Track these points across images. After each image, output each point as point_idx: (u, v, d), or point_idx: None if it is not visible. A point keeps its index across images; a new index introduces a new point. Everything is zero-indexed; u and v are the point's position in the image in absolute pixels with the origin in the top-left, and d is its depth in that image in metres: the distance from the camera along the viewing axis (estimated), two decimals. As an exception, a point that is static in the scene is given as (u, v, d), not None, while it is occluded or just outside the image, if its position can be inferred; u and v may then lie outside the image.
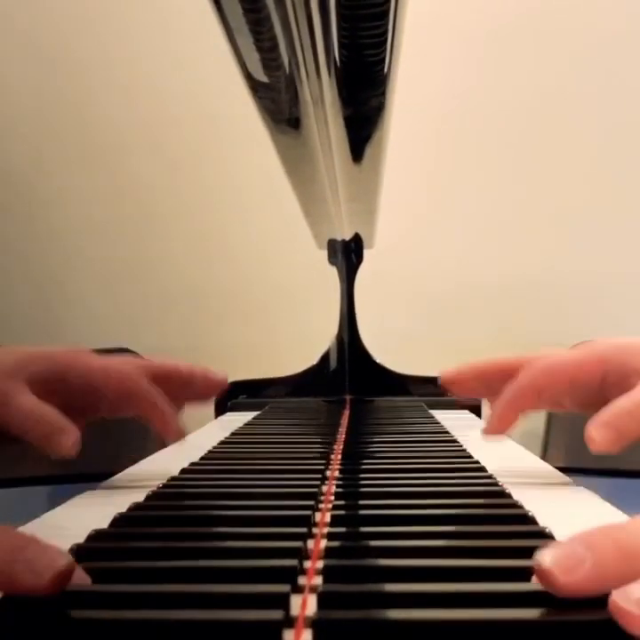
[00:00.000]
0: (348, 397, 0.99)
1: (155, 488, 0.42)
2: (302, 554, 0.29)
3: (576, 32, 1.73)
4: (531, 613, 0.22)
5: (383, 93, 0.46)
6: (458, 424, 0.73)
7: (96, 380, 0.49)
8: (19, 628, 0.22)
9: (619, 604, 0.21)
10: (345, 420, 0.74)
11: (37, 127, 1.82)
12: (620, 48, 1.74)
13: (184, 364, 0.54)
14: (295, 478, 0.44)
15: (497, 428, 0.49)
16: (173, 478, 0.45)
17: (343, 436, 0.63)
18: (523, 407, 0.48)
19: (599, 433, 0.42)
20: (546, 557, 0.23)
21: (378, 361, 1.01)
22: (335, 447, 0.56)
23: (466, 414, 0.91)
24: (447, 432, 0.65)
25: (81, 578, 0.25)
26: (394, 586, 0.25)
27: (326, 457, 0.51)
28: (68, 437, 0.44)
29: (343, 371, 1.01)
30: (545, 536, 0.30)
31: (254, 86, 0.44)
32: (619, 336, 0.50)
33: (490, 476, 0.44)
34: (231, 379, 1.00)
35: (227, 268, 1.84)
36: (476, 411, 0.95)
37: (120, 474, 0.52)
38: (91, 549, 0.30)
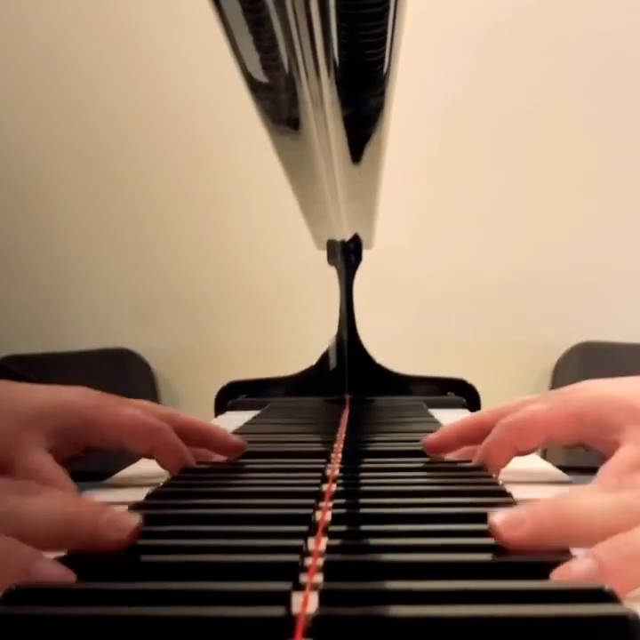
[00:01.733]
0: (347, 397, 0.99)
1: (155, 487, 0.42)
2: (303, 552, 0.29)
3: (576, 32, 1.73)
4: (532, 609, 0.22)
5: (383, 93, 0.46)
6: (457, 423, 0.73)
7: (124, 439, 0.46)
8: (21, 622, 0.22)
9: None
10: (345, 420, 0.74)
11: (38, 127, 1.82)
12: (620, 48, 1.74)
13: (207, 424, 0.52)
14: (295, 477, 0.44)
15: (431, 452, 0.50)
16: (173, 477, 0.45)
17: (343, 435, 0.63)
18: (499, 465, 0.46)
19: None
20: (495, 517, 0.28)
21: (377, 361, 1.01)
22: (335, 446, 0.56)
23: (465, 413, 0.91)
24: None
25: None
26: (394, 583, 0.25)
27: (326, 456, 0.51)
28: None
29: (343, 370, 1.01)
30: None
31: (254, 86, 0.44)
32: (599, 382, 0.47)
33: (490, 475, 0.44)
34: (231, 378, 1.01)
35: (226, 268, 1.84)
36: (476, 409, 0.95)
37: (120, 473, 0.52)
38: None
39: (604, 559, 0.26)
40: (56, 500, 0.31)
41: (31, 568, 0.26)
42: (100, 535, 0.28)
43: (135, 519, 0.29)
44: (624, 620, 0.21)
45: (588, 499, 0.30)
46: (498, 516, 0.28)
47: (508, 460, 0.46)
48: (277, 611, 0.22)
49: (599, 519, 0.28)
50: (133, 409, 0.47)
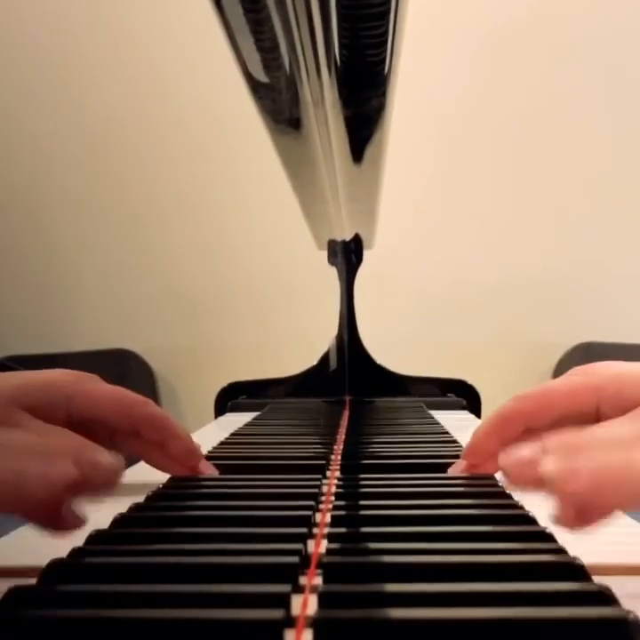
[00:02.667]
0: (347, 398, 0.99)
1: (155, 488, 0.42)
2: (303, 554, 0.29)
3: (575, 33, 1.73)
4: (532, 612, 0.22)
5: (383, 94, 0.46)
6: (457, 424, 0.73)
7: (103, 409, 0.45)
8: (21, 625, 0.22)
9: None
10: (345, 421, 0.74)
11: (39, 127, 1.82)
12: (621, 48, 1.74)
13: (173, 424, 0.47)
14: (295, 479, 0.44)
15: (471, 460, 0.46)
16: (173, 479, 0.45)
17: (343, 436, 0.63)
18: (506, 436, 0.44)
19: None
20: (548, 465, 0.28)
21: (377, 361, 1.01)
22: (335, 447, 0.56)
23: (465, 414, 0.91)
24: (446, 432, 0.65)
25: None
26: (394, 585, 0.25)
27: (326, 457, 0.51)
28: None
29: (343, 371, 1.01)
30: (545, 536, 0.30)
31: (255, 86, 0.44)
32: (616, 361, 0.47)
33: (490, 477, 0.44)
34: (231, 379, 1.00)
35: (227, 268, 1.84)
36: (476, 411, 0.95)
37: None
38: (91, 550, 0.30)
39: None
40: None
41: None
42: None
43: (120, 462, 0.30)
44: (623, 622, 0.21)
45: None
46: (549, 464, 0.28)
47: (517, 435, 0.46)
48: (277, 613, 0.22)
49: None
50: (114, 386, 0.47)
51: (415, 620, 0.22)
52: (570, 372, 0.47)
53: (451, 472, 0.46)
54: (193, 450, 0.46)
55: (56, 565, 0.27)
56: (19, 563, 0.31)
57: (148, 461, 0.47)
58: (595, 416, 0.44)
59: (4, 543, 0.34)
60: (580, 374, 0.46)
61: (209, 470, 0.47)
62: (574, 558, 0.27)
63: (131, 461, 0.54)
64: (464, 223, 1.81)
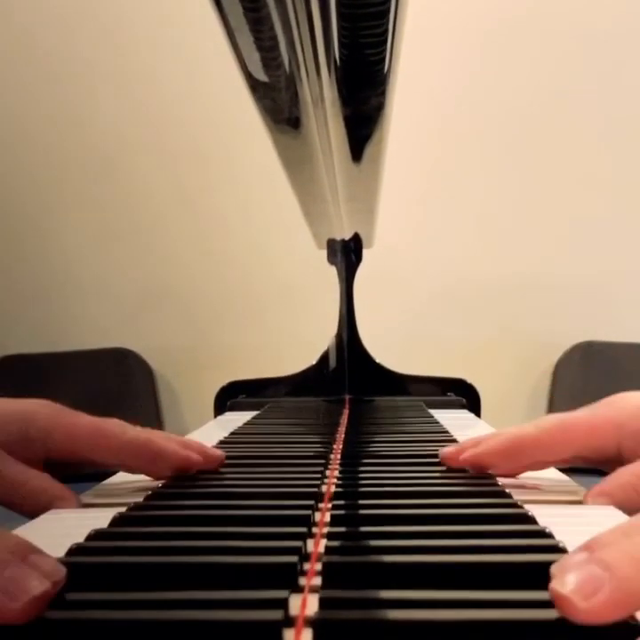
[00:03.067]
0: (347, 397, 0.99)
1: (154, 488, 0.42)
2: (302, 553, 0.29)
3: (575, 31, 1.73)
4: (530, 614, 0.22)
5: (383, 93, 0.46)
6: (457, 423, 0.73)
7: (82, 446, 0.44)
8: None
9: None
10: (344, 420, 0.74)
11: (39, 128, 1.82)
12: (620, 47, 1.74)
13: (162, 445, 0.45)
14: (295, 478, 0.44)
15: (471, 466, 0.44)
16: (173, 478, 0.45)
17: (342, 435, 0.63)
18: (516, 462, 0.44)
19: (595, 502, 0.40)
20: (561, 585, 0.21)
21: (377, 360, 1.01)
22: (335, 447, 0.56)
23: (465, 414, 0.91)
24: (446, 431, 0.65)
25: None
26: (394, 585, 0.25)
27: (326, 457, 0.51)
28: (70, 506, 0.41)
29: (342, 370, 1.01)
30: (545, 536, 0.30)
31: (254, 86, 0.44)
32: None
33: (489, 476, 0.44)
34: (231, 378, 1.00)
35: (226, 268, 1.84)
36: (476, 410, 0.95)
37: (120, 473, 0.52)
38: (91, 549, 0.30)
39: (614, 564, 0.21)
40: None
41: (28, 557, 0.23)
42: None
43: (40, 587, 0.22)
44: (627, 625, 0.21)
45: None
46: (565, 582, 0.21)
47: (531, 463, 0.45)
48: (276, 614, 0.22)
49: None
50: (92, 418, 0.45)
51: (415, 621, 0.22)
52: (593, 405, 0.46)
53: (443, 451, 0.46)
54: (184, 461, 0.44)
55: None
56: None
57: (146, 474, 0.46)
58: (615, 451, 0.44)
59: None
60: (603, 407, 0.45)
61: (216, 454, 0.47)
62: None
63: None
64: (463, 222, 1.81)
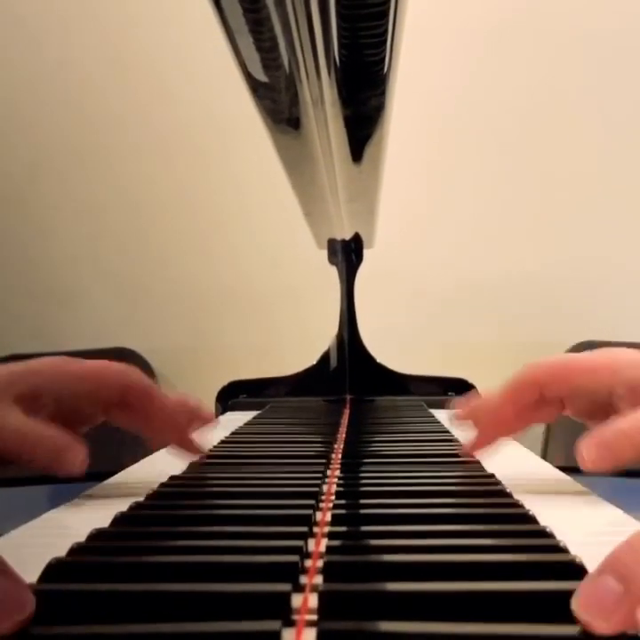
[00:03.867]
0: (348, 397, 0.99)
1: (155, 487, 0.42)
2: (303, 552, 0.29)
3: (576, 32, 1.73)
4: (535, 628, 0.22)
5: (383, 93, 0.46)
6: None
7: (90, 383, 0.46)
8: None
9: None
10: (345, 420, 0.74)
11: (40, 129, 1.82)
12: (620, 47, 1.74)
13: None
14: (296, 477, 0.44)
15: (486, 428, 0.47)
16: (174, 477, 0.45)
17: (343, 435, 0.63)
18: (521, 401, 0.45)
19: (590, 452, 0.40)
20: (576, 600, 0.21)
21: (378, 360, 1.01)
22: (335, 446, 0.56)
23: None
24: (447, 431, 0.65)
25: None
26: (394, 584, 0.25)
27: (327, 456, 0.51)
28: (76, 454, 0.41)
29: (343, 370, 1.01)
30: (545, 535, 0.30)
31: (254, 86, 0.44)
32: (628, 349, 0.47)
33: (490, 476, 0.44)
34: (232, 378, 1.00)
35: (227, 268, 1.84)
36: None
37: (120, 473, 0.52)
38: (91, 548, 0.30)
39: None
40: None
41: None
42: None
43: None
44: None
45: None
46: (578, 599, 0.21)
47: (530, 402, 0.46)
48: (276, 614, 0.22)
49: None
50: (100, 360, 0.47)
51: (414, 622, 0.22)
52: (592, 351, 0.47)
53: (464, 450, 0.48)
54: (174, 420, 0.48)
55: (56, 564, 0.27)
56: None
57: (144, 434, 0.48)
58: (607, 395, 0.44)
59: (4, 542, 0.34)
60: (602, 352, 0.46)
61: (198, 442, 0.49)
62: (575, 557, 0.27)
63: (129, 462, 0.55)
64: (464, 222, 1.81)
